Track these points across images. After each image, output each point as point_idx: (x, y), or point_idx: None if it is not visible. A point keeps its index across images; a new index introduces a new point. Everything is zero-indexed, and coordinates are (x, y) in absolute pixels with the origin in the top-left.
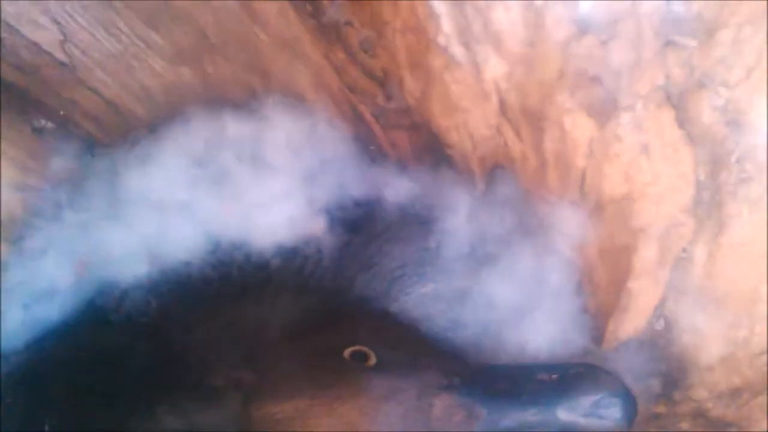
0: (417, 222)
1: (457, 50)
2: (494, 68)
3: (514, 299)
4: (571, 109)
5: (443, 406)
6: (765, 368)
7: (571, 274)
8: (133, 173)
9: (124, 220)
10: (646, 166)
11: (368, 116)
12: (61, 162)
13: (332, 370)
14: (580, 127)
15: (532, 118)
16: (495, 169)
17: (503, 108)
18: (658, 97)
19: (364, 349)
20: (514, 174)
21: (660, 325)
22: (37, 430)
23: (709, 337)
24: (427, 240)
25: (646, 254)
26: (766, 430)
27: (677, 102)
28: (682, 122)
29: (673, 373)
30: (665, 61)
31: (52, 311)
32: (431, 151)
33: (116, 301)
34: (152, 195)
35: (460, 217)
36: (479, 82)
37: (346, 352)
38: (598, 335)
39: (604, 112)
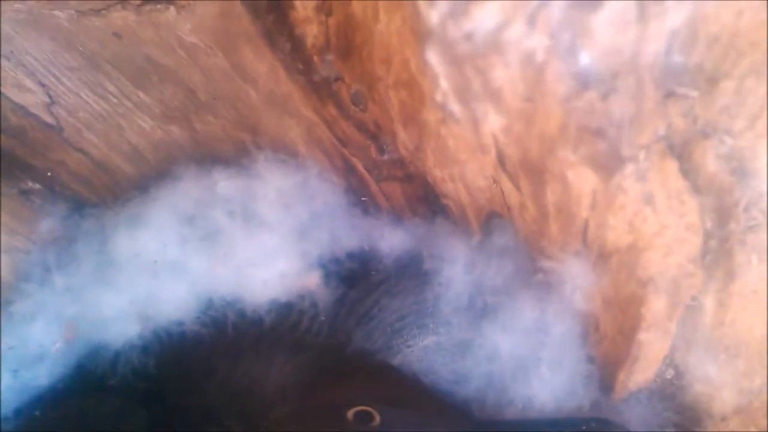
0: (414, 273)
1: (455, 108)
2: (493, 123)
3: (517, 351)
4: (574, 162)
5: None
6: None
7: (576, 324)
8: (122, 234)
9: (114, 281)
10: (652, 216)
11: (361, 169)
12: (49, 224)
13: None
14: (583, 180)
15: (533, 171)
16: (492, 218)
17: (501, 161)
18: (660, 147)
19: (369, 409)
20: (512, 223)
21: (670, 374)
22: None
23: (721, 386)
24: (425, 292)
25: (655, 305)
26: None
27: (681, 152)
28: (686, 172)
29: (686, 423)
30: (667, 112)
31: (41, 377)
32: (426, 201)
33: (107, 364)
34: (142, 255)
35: (458, 268)
36: (477, 136)
37: (350, 413)
38: (606, 386)
39: (607, 165)
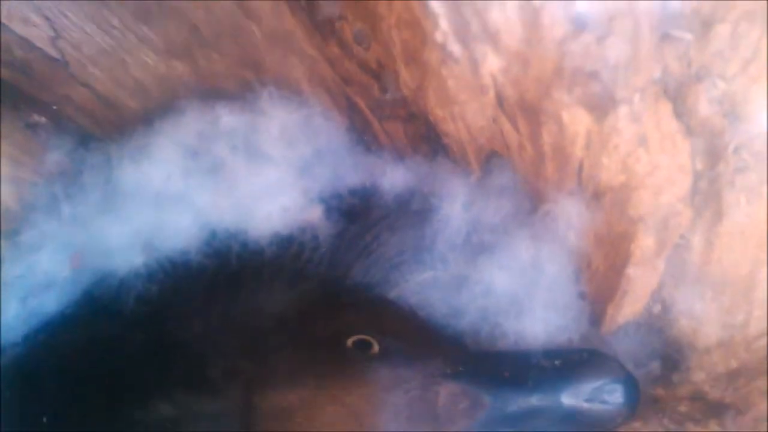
0: (414, 210)
1: (455, 48)
2: (491, 64)
3: (512, 286)
4: (569, 104)
5: (448, 394)
6: (763, 352)
7: (569, 261)
8: (127, 166)
9: (120, 212)
10: (645, 157)
11: (363, 107)
12: (56, 156)
13: (335, 359)
14: (578, 121)
15: (529, 112)
16: (492, 157)
17: (500, 101)
18: (655, 90)
19: (367, 338)
20: (511, 162)
21: (657, 309)
22: (36, 421)
23: (706, 321)
24: (424, 228)
25: (645, 242)
26: (765, 412)
27: (675, 95)
28: (679, 115)
29: (671, 356)
30: (662, 55)
31: (49, 304)
32: (427, 140)
33: (113, 292)
34: (147, 187)
35: (457, 205)
36: (476, 77)
37: (349, 341)
38: (596, 320)
39: (601, 106)
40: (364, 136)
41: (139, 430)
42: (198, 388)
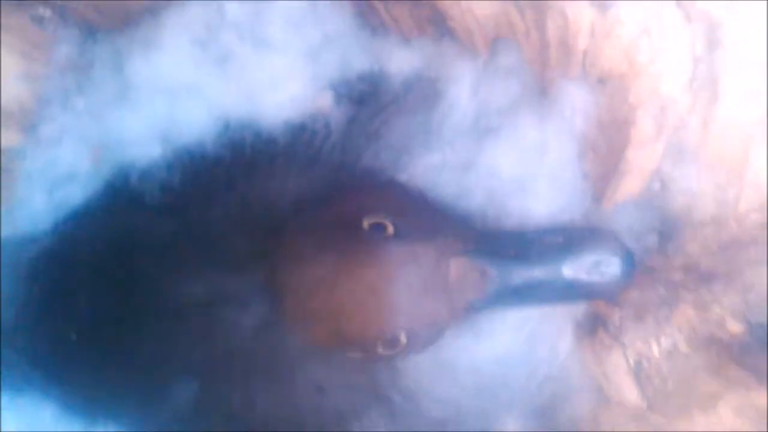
0: (421, 94)
1: None
2: None
3: (518, 167)
4: None
5: (459, 268)
6: (751, 224)
7: (573, 143)
8: (137, 58)
9: (134, 104)
10: (646, 46)
11: None
12: (65, 49)
13: (353, 239)
14: (581, 15)
15: (535, 3)
16: (498, 41)
17: None
18: None
19: (382, 219)
20: (517, 47)
21: (656, 186)
22: (69, 306)
23: (701, 197)
24: (431, 112)
25: (644, 127)
26: (751, 279)
27: None
28: (681, 4)
29: (668, 230)
30: None
31: (74, 195)
32: (434, 23)
33: (134, 183)
34: (158, 79)
35: (464, 88)
36: None
37: (365, 223)
38: (597, 199)
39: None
40: (370, 19)
41: (172, 311)
42: (225, 269)
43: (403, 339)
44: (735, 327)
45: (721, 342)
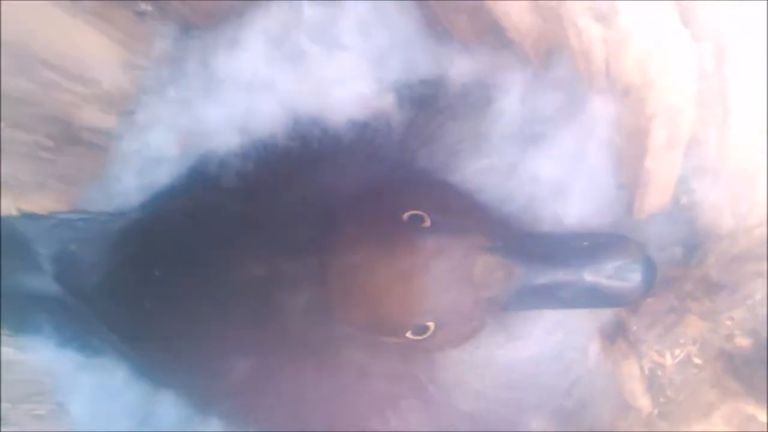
0: (475, 99)
1: None
2: None
3: (557, 174)
4: (579, 12)
5: (485, 264)
6: (758, 238)
7: (609, 153)
8: (221, 54)
9: (217, 96)
10: (657, 59)
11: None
12: (162, 43)
13: (392, 230)
14: (590, 26)
15: (556, 16)
16: (548, 53)
17: (535, 5)
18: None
19: (420, 212)
20: (562, 59)
21: (684, 200)
22: (149, 272)
23: (722, 211)
24: (483, 117)
25: (658, 137)
26: (752, 291)
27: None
28: (686, 21)
29: (693, 242)
30: None
31: (161, 176)
32: (492, 33)
33: (214, 168)
34: (239, 74)
35: (515, 96)
36: None
37: (405, 215)
38: (627, 208)
39: (605, 16)
40: (434, 26)
41: (235, 289)
42: (283, 253)
43: (431, 326)
44: (743, 341)
45: (728, 355)
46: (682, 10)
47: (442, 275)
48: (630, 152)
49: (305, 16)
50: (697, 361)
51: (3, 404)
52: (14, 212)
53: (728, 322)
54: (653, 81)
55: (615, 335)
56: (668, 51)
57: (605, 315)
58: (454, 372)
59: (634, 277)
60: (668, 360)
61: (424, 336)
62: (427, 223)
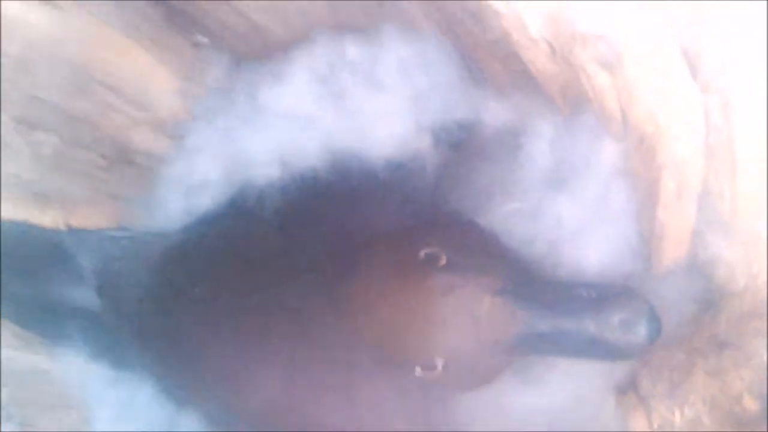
0: (506, 144)
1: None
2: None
3: (579, 221)
4: (587, 60)
5: (491, 305)
6: (762, 296)
7: (627, 202)
8: (268, 87)
9: (262, 128)
10: (666, 110)
11: (467, 45)
12: (215, 73)
13: (407, 267)
14: (597, 75)
15: (568, 64)
16: (574, 101)
17: (552, 53)
18: (668, 49)
19: (437, 251)
20: (585, 107)
21: (701, 255)
22: (189, 290)
23: (735, 268)
24: (513, 161)
25: (667, 187)
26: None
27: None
28: (694, 74)
29: (707, 299)
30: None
31: (204, 201)
32: (523, 79)
33: (253, 198)
34: (283, 107)
35: (544, 142)
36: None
37: (422, 253)
38: (649, 260)
39: (611, 64)
40: (472, 71)
41: (266, 315)
42: (312, 283)
43: (439, 365)
44: (752, 404)
45: (738, 417)
46: (689, 59)
47: (450, 313)
48: (645, 202)
49: (348, 54)
50: (706, 421)
51: (30, 409)
52: (62, 226)
53: (738, 382)
54: (663, 130)
55: (627, 387)
56: (675, 100)
57: (619, 366)
58: (468, 415)
59: (637, 332)
60: (677, 417)
61: (433, 372)
62: (443, 261)
